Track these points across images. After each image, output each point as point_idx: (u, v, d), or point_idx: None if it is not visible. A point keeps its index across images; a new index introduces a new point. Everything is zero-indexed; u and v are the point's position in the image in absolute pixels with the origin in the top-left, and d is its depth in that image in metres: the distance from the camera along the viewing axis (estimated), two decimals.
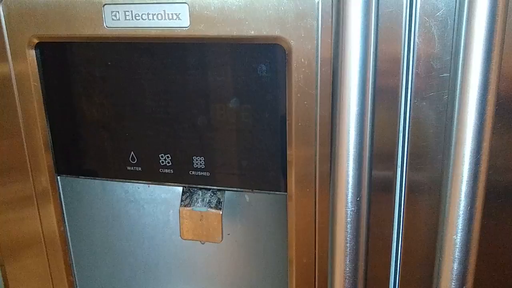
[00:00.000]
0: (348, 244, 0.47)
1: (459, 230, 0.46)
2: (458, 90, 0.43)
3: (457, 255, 0.46)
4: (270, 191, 0.60)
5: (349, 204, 0.46)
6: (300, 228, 0.58)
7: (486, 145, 0.43)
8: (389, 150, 0.52)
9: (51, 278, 0.72)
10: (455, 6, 0.42)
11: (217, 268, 0.74)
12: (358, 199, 0.46)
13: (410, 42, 0.49)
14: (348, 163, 0.45)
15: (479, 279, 0.50)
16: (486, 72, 0.41)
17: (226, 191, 0.66)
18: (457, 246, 0.46)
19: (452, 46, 0.43)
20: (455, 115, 0.43)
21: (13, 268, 0.73)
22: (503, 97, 0.48)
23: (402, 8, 0.48)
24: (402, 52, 0.49)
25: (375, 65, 0.45)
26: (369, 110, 0.45)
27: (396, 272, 0.56)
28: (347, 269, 0.48)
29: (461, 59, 0.42)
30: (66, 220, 0.70)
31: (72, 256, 0.72)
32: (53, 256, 0.71)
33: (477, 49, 0.41)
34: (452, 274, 0.47)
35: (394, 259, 0.56)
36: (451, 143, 0.44)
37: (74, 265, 0.72)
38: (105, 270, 0.76)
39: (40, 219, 0.68)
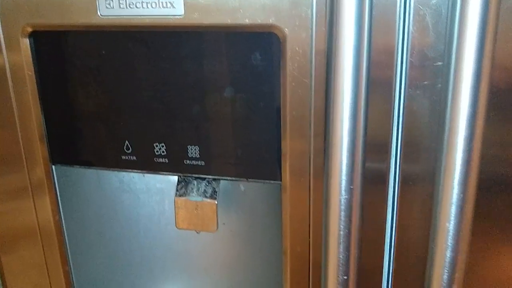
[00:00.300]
0: (341, 232, 0.48)
1: (452, 218, 0.46)
2: (451, 79, 0.43)
3: (450, 242, 0.47)
4: (264, 180, 0.60)
5: (343, 192, 0.46)
6: (294, 217, 0.59)
7: (478, 132, 0.43)
8: (383, 139, 0.53)
9: (47, 268, 0.72)
10: None
11: (212, 257, 0.75)
12: (351, 187, 0.46)
13: (404, 31, 0.49)
14: (341, 151, 0.46)
15: (471, 266, 0.51)
16: (479, 60, 0.41)
17: (221, 181, 0.66)
18: (450, 233, 0.47)
19: (446, 34, 0.43)
20: (448, 103, 0.44)
21: (9, 259, 0.73)
22: (496, 87, 0.48)
23: None
24: (396, 41, 0.49)
25: (369, 55, 0.45)
26: (362, 98, 0.45)
27: (390, 261, 0.56)
28: (341, 257, 0.48)
29: (454, 47, 0.42)
30: (61, 210, 0.70)
31: (68, 246, 0.72)
32: (49, 246, 0.71)
33: (471, 37, 0.41)
34: (445, 261, 0.48)
35: (388, 248, 0.56)
36: (444, 131, 0.44)
37: (69, 255, 0.72)
38: (101, 259, 0.77)
39: (35, 209, 0.69)
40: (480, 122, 0.43)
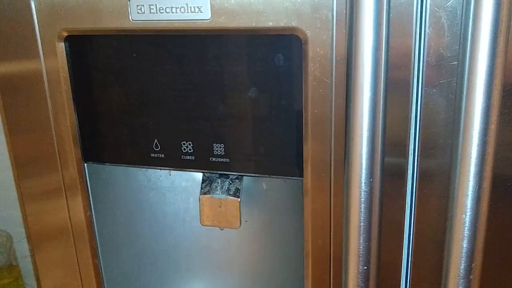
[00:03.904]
0: (361, 224, 0.50)
1: (467, 210, 0.48)
2: (465, 77, 0.45)
3: (466, 233, 0.49)
4: (286, 176, 0.63)
5: (363, 185, 0.49)
6: (315, 212, 0.61)
7: (493, 127, 0.45)
8: (402, 136, 0.54)
9: (78, 264, 0.75)
10: None
11: (235, 253, 0.77)
12: (371, 180, 0.48)
13: (421, 32, 0.51)
14: (361, 146, 0.48)
15: (488, 257, 0.52)
16: (492, 59, 0.43)
17: (244, 179, 0.68)
18: (466, 224, 0.48)
19: (460, 35, 0.46)
20: (463, 101, 0.46)
21: (42, 256, 0.76)
22: (510, 84, 0.50)
23: (413, 0, 0.50)
24: (413, 41, 0.51)
25: (387, 55, 0.47)
26: (381, 97, 0.47)
27: (408, 252, 0.58)
28: (361, 248, 0.51)
29: (468, 47, 0.44)
30: (92, 207, 0.73)
31: (98, 240, 0.74)
32: (80, 243, 0.73)
33: (484, 37, 0.44)
34: (462, 252, 0.50)
35: (406, 240, 0.58)
36: (460, 126, 0.46)
37: (99, 249, 0.75)
38: (129, 255, 0.79)
39: (68, 207, 0.71)
40: (494, 117, 0.45)
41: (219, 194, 0.68)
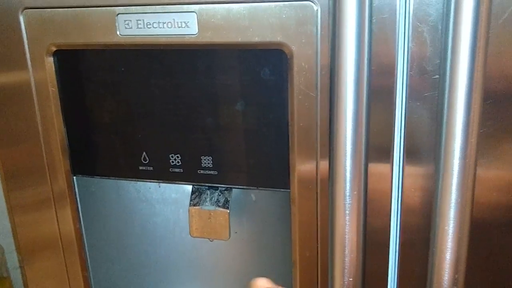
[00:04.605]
0: (346, 236, 0.50)
1: (451, 221, 0.49)
2: (446, 90, 0.46)
3: (449, 244, 0.49)
4: (274, 188, 0.63)
5: (347, 197, 0.49)
6: (302, 224, 0.61)
7: (473, 141, 0.46)
8: (386, 148, 0.55)
9: (68, 276, 0.75)
10: (443, 13, 0.46)
11: (225, 264, 0.77)
12: (355, 192, 0.49)
13: (404, 46, 0.52)
14: (345, 159, 0.49)
15: (471, 268, 0.53)
16: (472, 73, 0.44)
17: (233, 191, 0.69)
18: (449, 236, 0.49)
19: (441, 49, 0.47)
20: (444, 113, 0.47)
21: (31, 268, 0.76)
22: (492, 97, 0.51)
23: (396, 14, 0.51)
24: (397, 55, 0.52)
25: (369, 69, 0.48)
26: (364, 110, 0.48)
27: (394, 265, 0.59)
28: (346, 259, 0.51)
29: (449, 61, 0.45)
30: (81, 219, 0.73)
31: (87, 253, 0.75)
32: (69, 254, 0.73)
33: (464, 52, 0.44)
34: (446, 263, 0.50)
35: (393, 252, 0.58)
36: (442, 139, 0.47)
37: (89, 262, 0.75)
38: (119, 266, 0.79)
39: (57, 219, 0.71)
40: (475, 132, 0.46)
41: (208, 205, 0.68)
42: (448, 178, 0.48)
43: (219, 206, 0.68)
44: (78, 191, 0.71)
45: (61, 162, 0.68)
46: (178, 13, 0.56)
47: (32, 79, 0.64)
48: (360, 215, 0.50)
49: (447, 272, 0.50)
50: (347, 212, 0.50)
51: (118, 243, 0.78)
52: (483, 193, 0.54)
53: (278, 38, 0.54)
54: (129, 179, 0.69)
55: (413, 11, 0.51)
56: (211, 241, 0.75)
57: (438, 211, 0.49)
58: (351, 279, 0.52)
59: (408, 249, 0.57)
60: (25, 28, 0.62)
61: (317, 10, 0.53)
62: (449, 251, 0.49)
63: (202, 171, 0.65)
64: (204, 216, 0.68)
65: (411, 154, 0.55)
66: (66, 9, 0.60)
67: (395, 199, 0.57)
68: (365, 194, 0.50)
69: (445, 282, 0.51)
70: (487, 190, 0.54)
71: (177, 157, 0.65)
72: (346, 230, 0.50)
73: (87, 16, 0.59)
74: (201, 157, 0.64)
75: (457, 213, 0.48)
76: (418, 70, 0.52)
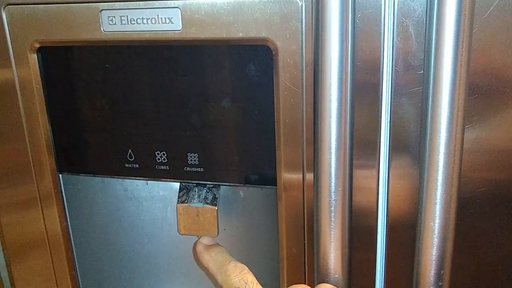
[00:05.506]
0: (332, 232, 0.50)
1: (436, 217, 0.49)
2: (431, 85, 0.46)
3: (435, 241, 0.49)
4: (261, 185, 0.63)
5: (332, 194, 0.49)
6: (289, 221, 0.61)
7: (458, 136, 0.46)
8: (372, 144, 0.55)
9: (55, 274, 0.75)
10: (426, 8, 0.45)
11: None
12: (340, 189, 0.49)
13: (389, 41, 0.52)
14: (330, 155, 0.48)
15: (457, 264, 0.53)
16: (455, 67, 0.44)
17: (221, 188, 0.68)
18: (435, 232, 0.49)
19: (425, 44, 0.46)
20: (429, 109, 0.46)
21: (18, 267, 0.75)
22: (477, 92, 0.51)
23: (381, 10, 0.51)
24: (382, 50, 0.52)
25: (353, 64, 0.48)
26: (348, 106, 0.48)
27: (381, 262, 0.59)
28: (332, 256, 0.51)
29: (432, 56, 0.45)
30: (68, 217, 0.72)
31: (74, 251, 0.74)
32: (56, 253, 0.73)
33: (447, 46, 0.44)
34: (431, 259, 0.50)
35: (380, 248, 0.58)
36: (427, 135, 0.47)
37: (76, 260, 0.75)
38: (106, 264, 0.79)
39: (43, 218, 0.71)
40: (459, 127, 0.46)
41: (196, 202, 0.68)
42: (433, 174, 0.47)
43: (207, 203, 0.67)
44: (64, 189, 0.71)
45: (47, 160, 0.68)
46: (162, 9, 0.56)
47: (16, 77, 0.63)
48: (345, 211, 0.50)
49: (433, 268, 0.50)
50: (332, 208, 0.49)
51: (106, 241, 0.78)
52: (468, 188, 0.54)
53: (263, 33, 0.54)
54: (115, 176, 0.68)
55: (398, 6, 0.50)
56: (199, 238, 0.75)
57: (423, 207, 0.49)
58: (336, 276, 0.52)
59: (395, 245, 0.57)
60: (8, 25, 0.61)
61: (301, 5, 0.52)
62: (435, 247, 0.49)
63: (188, 168, 0.64)
64: (192, 213, 0.68)
65: (397, 149, 0.54)
66: (49, 5, 0.59)
67: (381, 195, 0.56)
68: (351, 191, 0.50)
69: (431, 278, 0.50)
70: (473, 185, 0.54)
71: (163, 154, 0.65)
72: (332, 227, 0.50)
73: (70, 12, 0.59)
74: (187, 154, 0.64)
75: (442, 209, 0.48)
76: (403, 65, 0.52)
